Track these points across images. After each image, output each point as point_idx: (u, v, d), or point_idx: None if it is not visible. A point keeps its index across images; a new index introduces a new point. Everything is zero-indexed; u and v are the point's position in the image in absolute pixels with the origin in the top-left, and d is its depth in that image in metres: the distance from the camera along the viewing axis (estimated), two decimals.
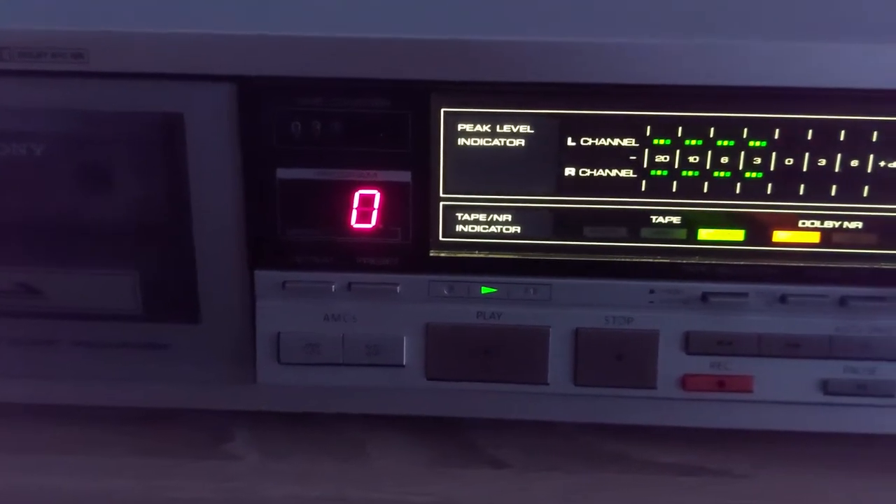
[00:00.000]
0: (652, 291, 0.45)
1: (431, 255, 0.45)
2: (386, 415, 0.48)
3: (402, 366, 0.46)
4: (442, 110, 0.43)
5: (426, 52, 0.42)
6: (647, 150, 0.44)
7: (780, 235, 0.45)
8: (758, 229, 0.45)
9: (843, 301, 0.45)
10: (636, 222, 0.45)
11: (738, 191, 0.44)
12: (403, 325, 0.46)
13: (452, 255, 0.45)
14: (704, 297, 0.45)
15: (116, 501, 0.45)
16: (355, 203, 0.44)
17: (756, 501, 0.45)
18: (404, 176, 0.44)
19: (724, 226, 0.45)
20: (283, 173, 0.44)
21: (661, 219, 0.45)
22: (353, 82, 0.43)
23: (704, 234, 0.45)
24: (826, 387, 0.46)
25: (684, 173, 0.44)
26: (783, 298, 0.45)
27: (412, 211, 0.44)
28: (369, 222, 0.45)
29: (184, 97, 0.43)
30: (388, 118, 0.43)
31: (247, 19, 0.45)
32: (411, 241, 0.45)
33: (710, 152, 0.44)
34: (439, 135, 0.44)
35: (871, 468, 0.47)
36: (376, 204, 0.44)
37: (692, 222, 0.45)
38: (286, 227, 0.45)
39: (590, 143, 0.44)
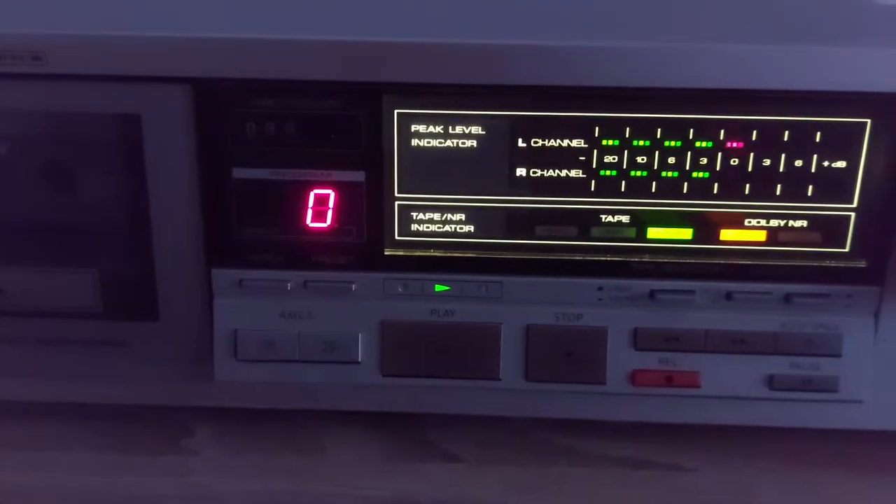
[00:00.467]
0: (601, 289, 0.46)
1: (386, 253, 0.46)
2: (342, 411, 0.49)
3: (358, 362, 0.47)
4: (395, 111, 0.44)
5: (378, 55, 0.43)
6: (596, 151, 0.45)
7: (726, 234, 0.46)
8: (705, 228, 0.46)
9: (787, 298, 0.46)
10: (586, 221, 0.46)
11: (685, 190, 0.45)
12: (359, 322, 0.47)
13: (407, 254, 0.46)
14: (652, 294, 0.46)
15: (75, 497, 0.45)
16: (310, 202, 0.45)
17: (704, 495, 0.46)
18: (358, 176, 0.45)
19: (673, 225, 0.46)
20: (238, 173, 0.45)
21: (610, 218, 0.46)
22: (306, 84, 0.43)
23: (653, 232, 0.46)
24: (772, 382, 0.47)
25: (633, 173, 0.45)
26: (729, 296, 0.46)
27: (366, 210, 0.45)
28: (324, 221, 0.45)
29: (141, 99, 0.44)
30: (341, 119, 0.44)
31: (203, 22, 0.46)
32: (366, 240, 0.46)
33: (657, 153, 0.45)
34: (393, 136, 0.45)
35: (815, 462, 0.48)
36: (331, 203, 0.45)
37: (641, 221, 0.46)
38: (242, 226, 0.46)
39: (540, 144, 0.45)
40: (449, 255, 0.46)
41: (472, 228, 0.47)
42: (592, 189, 0.46)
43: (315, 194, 0.45)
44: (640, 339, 0.46)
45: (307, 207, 0.45)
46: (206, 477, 0.47)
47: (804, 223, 0.46)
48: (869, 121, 0.43)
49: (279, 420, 0.50)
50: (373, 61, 0.43)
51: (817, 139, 0.44)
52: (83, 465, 0.47)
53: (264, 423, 0.50)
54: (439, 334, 0.47)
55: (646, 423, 0.49)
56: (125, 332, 0.48)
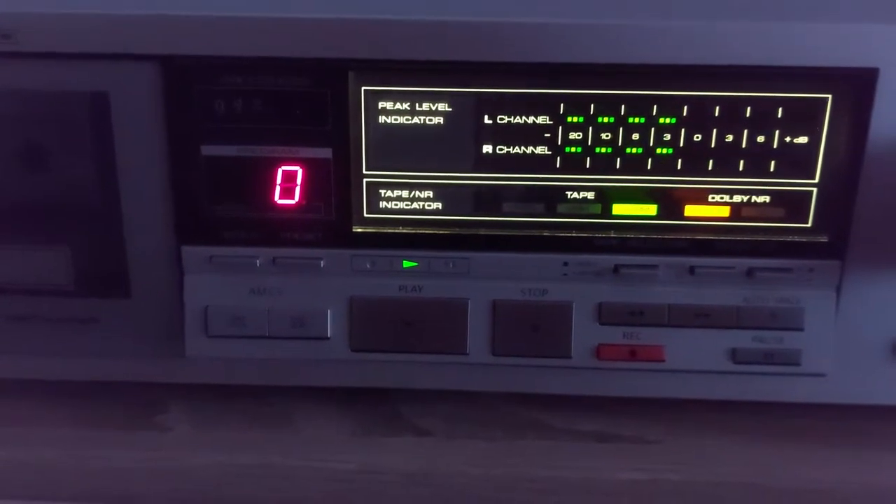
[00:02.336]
0: (566, 264, 0.47)
1: (354, 230, 0.47)
2: (315, 387, 0.50)
3: (327, 338, 0.48)
4: (362, 89, 0.45)
5: (343, 32, 0.43)
6: (561, 128, 0.45)
7: (691, 210, 0.47)
8: (669, 204, 0.47)
9: (750, 273, 0.46)
10: (552, 198, 0.47)
11: (649, 167, 0.46)
12: (327, 298, 0.47)
13: (375, 231, 0.47)
14: (616, 269, 0.47)
15: (46, 471, 0.46)
16: (278, 179, 0.46)
17: (668, 466, 0.47)
18: (325, 153, 0.45)
19: (637, 200, 0.47)
20: (207, 150, 0.45)
21: (576, 194, 0.47)
22: (273, 61, 0.44)
23: (618, 208, 0.47)
24: (735, 356, 0.47)
25: (598, 150, 0.46)
26: (692, 270, 0.46)
27: (334, 187, 0.46)
28: (293, 198, 0.46)
29: (109, 76, 0.44)
30: (308, 96, 0.44)
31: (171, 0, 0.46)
32: (334, 217, 0.46)
33: (621, 129, 0.45)
34: (360, 113, 0.45)
35: (778, 435, 0.49)
36: (299, 180, 0.46)
37: (606, 197, 0.47)
38: (212, 203, 0.46)
39: (506, 121, 0.45)
40: (416, 231, 0.47)
41: (439, 205, 0.47)
42: (558, 166, 0.46)
43: (283, 171, 0.45)
44: (605, 314, 0.47)
45: (275, 184, 0.46)
46: (177, 451, 0.47)
47: (767, 199, 0.46)
48: (830, 97, 0.44)
49: (252, 396, 0.51)
50: (338, 39, 0.43)
51: (779, 115, 0.45)
52: (56, 441, 0.47)
53: (237, 398, 0.51)
54: (407, 310, 0.47)
55: (611, 397, 0.49)
56: (97, 308, 0.48)
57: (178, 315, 0.48)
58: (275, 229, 0.46)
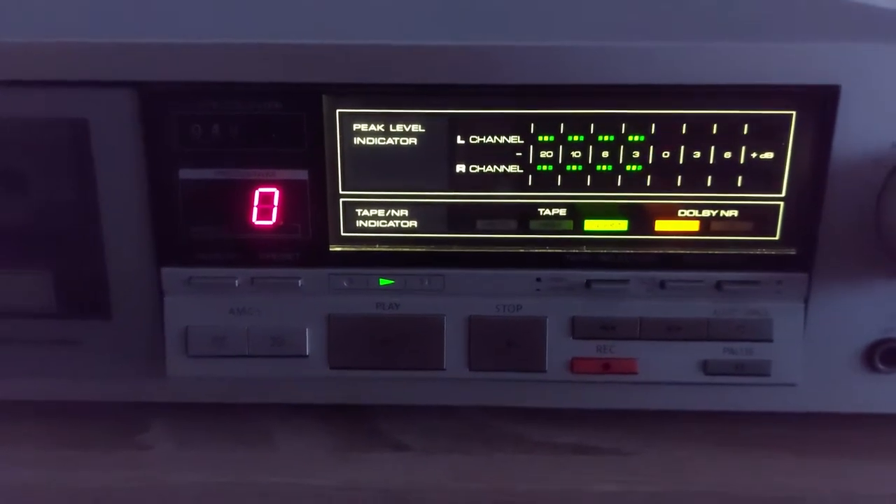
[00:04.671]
0: (539, 280, 0.48)
1: (331, 249, 0.48)
2: (292, 403, 0.50)
3: (306, 356, 0.48)
4: (337, 111, 0.46)
5: (316, 57, 0.44)
6: (532, 147, 0.46)
7: (661, 225, 0.48)
8: (640, 219, 0.47)
9: (719, 286, 0.47)
10: (525, 215, 0.48)
11: (619, 183, 0.47)
12: (306, 317, 0.48)
13: (351, 249, 0.48)
14: (588, 284, 0.47)
15: (28, 491, 0.46)
16: (255, 201, 0.47)
17: (643, 477, 0.48)
18: (301, 174, 0.46)
19: (608, 216, 0.47)
20: (185, 174, 0.46)
21: (548, 211, 0.48)
22: (249, 86, 0.45)
23: (590, 224, 0.48)
24: (706, 367, 0.48)
25: (568, 168, 0.47)
26: (662, 284, 0.47)
27: (310, 207, 0.47)
28: (270, 219, 0.47)
29: (88, 103, 0.45)
30: (283, 120, 0.45)
31: (147, 27, 0.47)
32: (311, 237, 0.47)
33: (591, 147, 0.46)
34: (336, 134, 0.46)
35: (751, 444, 0.50)
36: (276, 201, 0.47)
37: (578, 214, 0.47)
38: (190, 226, 0.47)
39: (478, 141, 0.46)
40: (393, 249, 0.48)
41: (415, 223, 0.48)
42: (530, 184, 0.47)
43: (260, 193, 0.46)
44: (578, 328, 0.48)
45: (253, 206, 0.46)
46: (158, 470, 0.48)
47: (735, 213, 0.47)
48: (794, 113, 0.45)
49: (233, 414, 0.51)
50: (311, 63, 0.44)
51: (745, 132, 0.46)
52: (37, 461, 0.48)
53: (219, 417, 0.51)
54: (384, 327, 0.48)
55: (588, 410, 0.50)
56: (79, 330, 0.49)
57: (159, 335, 0.48)
58: (253, 250, 0.47)
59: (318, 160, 0.46)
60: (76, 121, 0.45)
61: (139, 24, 0.48)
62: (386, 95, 0.46)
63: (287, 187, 0.46)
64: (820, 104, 0.44)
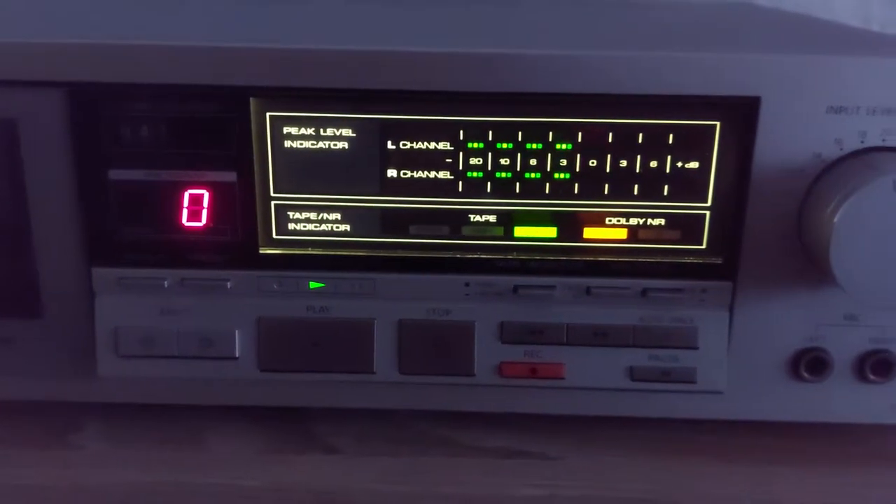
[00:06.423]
0: (467, 285, 0.48)
1: (261, 251, 0.48)
2: (223, 405, 0.51)
3: (235, 358, 0.49)
4: (267, 114, 0.46)
5: (244, 60, 0.44)
6: (462, 154, 0.47)
7: (589, 232, 0.48)
8: (569, 227, 0.48)
9: (644, 293, 0.48)
10: (456, 221, 0.48)
11: (548, 191, 0.47)
12: (235, 318, 0.48)
13: (281, 252, 0.48)
14: (515, 289, 0.48)
15: None
16: (185, 202, 0.47)
17: (567, 481, 0.48)
18: (230, 176, 0.46)
19: (538, 224, 0.48)
20: (115, 174, 0.46)
21: (478, 217, 0.48)
22: (178, 88, 0.45)
23: (519, 231, 0.48)
24: (633, 374, 0.49)
25: (498, 175, 0.47)
26: (588, 290, 0.48)
27: (239, 210, 0.47)
28: (200, 221, 0.47)
29: (17, 104, 0.45)
30: (212, 122, 0.46)
31: (77, 28, 0.47)
32: (241, 239, 0.48)
33: (519, 155, 0.47)
34: (266, 137, 0.46)
35: (677, 451, 0.50)
36: (205, 203, 0.47)
37: (508, 221, 0.48)
38: (120, 226, 0.47)
39: (409, 147, 0.47)
40: (323, 253, 0.48)
41: (348, 228, 0.48)
42: (460, 190, 0.47)
43: (190, 194, 0.47)
44: (506, 333, 0.48)
45: (182, 207, 0.47)
46: (89, 469, 0.48)
47: (662, 221, 0.48)
48: (718, 124, 0.46)
49: (168, 415, 0.52)
50: (239, 67, 0.44)
51: (671, 141, 0.46)
52: None
53: (153, 418, 0.52)
54: (315, 330, 0.49)
55: (516, 414, 0.50)
56: (10, 329, 0.49)
57: (91, 335, 0.49)
58: (182, 251, 0.48)
59: (247, 162, 0.46)
60: (5, 121, 0.45)
61: (69, 24, 0.48)
62: (316, 99, 0.46)
63: (216, 189, 0.47)
64: (742, 115, 0.45)
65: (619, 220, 0.48)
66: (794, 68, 0.44)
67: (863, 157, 0.44)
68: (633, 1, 0.80)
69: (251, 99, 0.45)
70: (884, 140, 0.44)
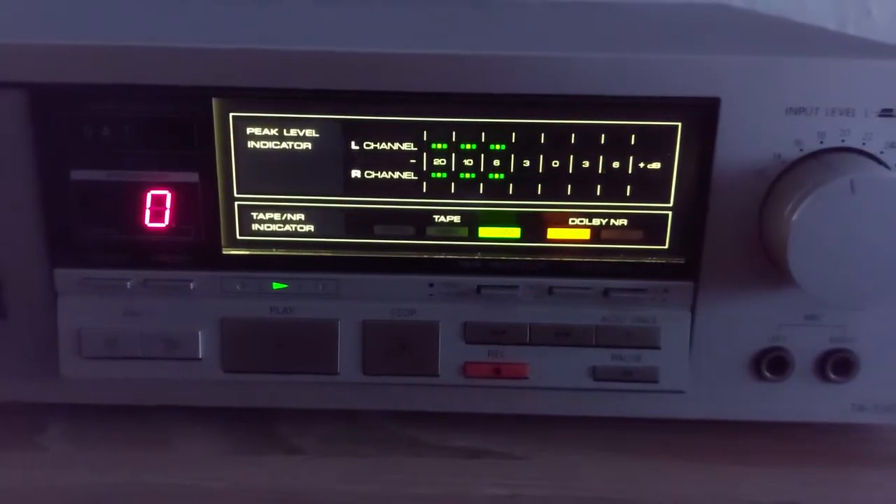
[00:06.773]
0: (431, 285, 0.48)
1: (224, 252, 0.48)
2: (187, 406, 0.50)
3: (199, 359, 0.49)
4: (230, 115, 0.46)
5: (206, 60, 0.44)
6: (426, 154, 0.47)
7: (553, 233, 0.48)
8: (532, 227, 0.48)
9: (606, 293, 0.48)
10: (421, 221, 0.48)
11: (511, 191, 0.47)
12: (198, 320, 0.48)
13: (244, 253, 0.48)
14: (479, 289, 0.48)
15: None
16: (148, 203, 0.47)
17: (531, 481, 0.48)
18: (192, 177, 0.46)
19: (502, 224, 0.48)
20: (76, 175, 0.46)
21: (443, 218, 0.48)
22: (140, 88, 0.45)
23: (484, 231, 0.48)
24: (595, 373, 0.49)
25: (462, 175, 0.47)
26: (550, 290, 0.48)
27: (202, 210, 0.47)
28: (162, 221, 0.47)
29: None
30: (174, 122, 0.46)
31: (39, 29, 0.47)
32: (204, 240, 0.47)
33: (483, 155, 0.47)
34: (229, 138, 0.46)
35: (640, 450, 0.50)
36: (168, 204, 0.47)
37: (472, 221, 0.48)
38: (83, 227, 0.47)
39: (372, 147, 0.47)
40: (286, 253, 0.48)
41: (311, 228, 0.48)
42: (424, 191, 0.47)
43: (152, 195, 0.47)
44: (470, 333, 0.49)
45: (145, 208, 0.47)
46: (51, 471, 0.48)
47: (625, 222, 0.48)
48: (680, 124, 0.46)
49: (131, 415, 0.52)
50: (201, 67, 0.44)
51: (633, 142, 0.46)
52: None
53: (118, 418, 0.52)
54: (278, 331, 0.49)
55: (480, 414, 0.51)
56: None
57: (54, 336, 0.48)
58: (145, 252, 0.47)
59: (210, 163, 0.46)
60: None
61: (31, 24, 0.48)
62: (279, 100, 0.46)
63: (179, 190, 0.46)
64: (702, 116, 0.45)
65: (582, 221, 0.48)
66: (753, 69, 0.44)
67: (822, 158, 0.45)
68: (607, 2, 0.81)
69: (214, 99, 0.45)
70: (843, 141, 0.45)
